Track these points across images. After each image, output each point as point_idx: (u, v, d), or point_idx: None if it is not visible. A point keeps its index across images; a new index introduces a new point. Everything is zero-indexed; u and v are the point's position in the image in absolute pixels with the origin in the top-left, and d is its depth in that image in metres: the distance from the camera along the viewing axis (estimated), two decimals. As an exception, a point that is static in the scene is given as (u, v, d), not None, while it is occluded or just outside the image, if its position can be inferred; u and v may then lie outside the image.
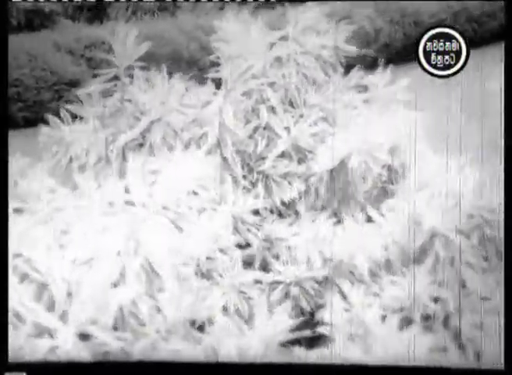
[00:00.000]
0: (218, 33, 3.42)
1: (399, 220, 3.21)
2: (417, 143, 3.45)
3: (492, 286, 3.15)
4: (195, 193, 3.10)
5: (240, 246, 3.26)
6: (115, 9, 11.68)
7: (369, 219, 3.32)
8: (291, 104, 3.46)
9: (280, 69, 3.40)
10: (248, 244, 3.28)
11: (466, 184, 3.20)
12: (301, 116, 3.43)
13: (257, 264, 3.28)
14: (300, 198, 3.38)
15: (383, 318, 3.06)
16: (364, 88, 3.62)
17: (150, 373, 2.97)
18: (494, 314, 3.08)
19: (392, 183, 3.40)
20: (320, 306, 3.17)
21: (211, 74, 3.37)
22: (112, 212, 2.86)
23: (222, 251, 3.11)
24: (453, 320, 3.09)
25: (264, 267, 3.29)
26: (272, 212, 3.38)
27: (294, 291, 3.17)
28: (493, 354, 2.98)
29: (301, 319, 3.05)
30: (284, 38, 3.46)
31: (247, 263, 3.29)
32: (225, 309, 3.03)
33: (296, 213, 3.37)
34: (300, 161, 3.40)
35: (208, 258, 3.07)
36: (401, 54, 11.04)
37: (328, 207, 3.40)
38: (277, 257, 3.27)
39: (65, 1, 11.48)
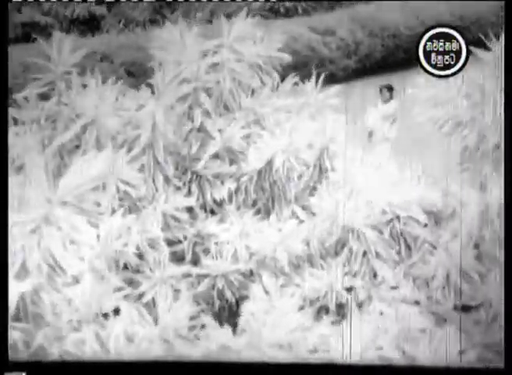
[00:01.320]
0: (157, 42, 3.62)
1: (320, 217, 3.40)
2: (341, 145, 3.64)
3: (401, 276, 3.34)
4: (126, 192, 3.30)
5: (171, 242, 3.46)
6: (108, 22, 11.92)
7: (294, 216, 3.52)
8: (226, 108, 3.65)
9: (215, 75, 3.60)
10: (180, 241, 3.47)
11: (381, 183, 3.39)
12: (234, 119, 3.62)
13: (188, 258, 3.47)
14: (231, 196, 3.58)
15: (302, 307, 3.26)
16: (298, 94, 3.81)
17: (150, 373, 3.14)
18: (401, 302, 3.27)
19: (316, 183, 3.59)
20: (243, 297, 3.36)
21: (148, 80, 3.58)
22: (32, 210, 3.06)
23: (151, 246, 3.31)
24: (364, 308, 3.29)
25: (195, 262, 3.48)
26: (204, 209, 3.58)
27: (220, 282, 3.36)
28: (392, 339, 3.17)
29: (203, 308, 3.25)
30: (219, 46, 3.66)
31: (180, 258, 3.48)
32: (145, 304, 3.21)
33: (227, 211, 3.56)
34: (231, 161, 3.60)
35: (137, 253, 3.27)
36: (380, 64, 11.28)
37: (257, 205, 3.60)
38: (207, 252, 3.46)
39: (62, 3, 11.71)
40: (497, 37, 3.46)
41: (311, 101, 3.77)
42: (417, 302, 3.30)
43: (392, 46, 11.23)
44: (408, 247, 3.38)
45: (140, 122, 3.40)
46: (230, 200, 3.57)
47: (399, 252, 3.38)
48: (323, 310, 3.30)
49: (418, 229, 3.37)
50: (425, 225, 3.40)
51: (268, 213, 3.57)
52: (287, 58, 3.74)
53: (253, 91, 3.69)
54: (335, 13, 11.71)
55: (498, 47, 3.49)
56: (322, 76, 3.79)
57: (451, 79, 3.48)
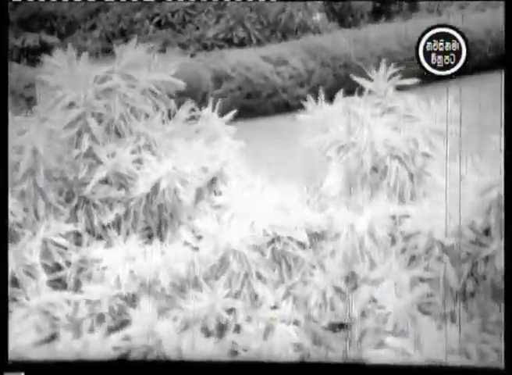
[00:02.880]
0: (45, 67, 3.63)
1: (205, 239, 3.42)
2: (231, 169, 3.69)
3: (281, 296, 3.37)
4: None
5: (52, 268, 3.42)
6: (60, 52, 11.85)
7: (180, 239, 3.52)
8: (117, 133, 3.66)
9: (106, 101, 3.61)
10: (62, 266, 3.44)
11: (264, 204, 3.43)
12: (125, 143, 3.63)
13: (70, 285, 3.44)
14: (120, 221, 3.58)
15: (184, 328, 3.26)
16: (195, 119, 3.85)
17: (153, 373, 3.16)
18: (282, 322, 3.31)
19: (204, 206, 3.61)
20: (124, 322, 3.34)
21: (34, 107, 3.57)
22: None
23: (28, 273, 3.28)
24: (244, 328, 3.30)
25: (77, 288, 3.45)
26: (92, 235, 3.56)
27: (100, 308, 3.34)
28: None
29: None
30: (110, 72, 3.68)
31: (62, 285, 3.45)
32: None
33: (114, 235, 3.55)
34: (120, 186, 3.60)
35: (13, 280, 3.22)
36: (331, 93, 11.40)
37: (145, 228, 3.60)
38: (90, 277, 3.44)
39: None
40: (377, 69, 3.63)
41: (208, 127, 3.82)
42: (296, 322, 3.34)
43: (343, 76, 11.40)
44: (289, 267, 3.42)
45: (20, 148, 3.39)
46: (118, 224, 3.57)
47: (280, 273, 3.41)
48: (204, 331, 3.30)
49: (299, 250, 3.41)
50: (309, 246, 3.44)
51: (154, 237, 3.57)
52: (181, 84, 3.76)
53: (146, 117, 3.71)
54: (288, 43, 11.85)
55: (378, 76, 3.64)
56: (219, 102, 3.84)
57: (334, 106, 3.58)
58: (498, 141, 3.17)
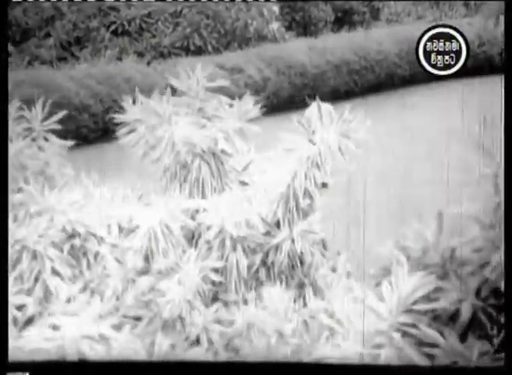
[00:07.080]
0: None
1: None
2: (53, 168, 3.70)
3: (78, 290, 3.40)
4: None
5: None
6: (12, 61, 11.86)
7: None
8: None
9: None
10: None
11: (65, 201, 3.45)
12: None
13: None
14: None
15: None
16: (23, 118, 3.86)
17: (152, 373, 3.17)
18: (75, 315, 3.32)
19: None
20: None
21: None
22: None
23: None
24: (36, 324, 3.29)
25: None
26: None
27: None
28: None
29: None
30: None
31: None
32: None
33: None
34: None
35: None
36: (287, 101, 11.43)
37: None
38: None
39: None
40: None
41: (36, 127, 3.83)
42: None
43: (299, 84, 11.45)
44: (88, 262, 3.44)
45: None
46: None
47: (78, 268, 3.42)
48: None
49: (99, 245, 3.42)
50: (110, 241, 3.47)
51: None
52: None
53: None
54: (244, 52, 11.89)
55: (191, 77, 3.67)
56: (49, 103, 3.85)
57: (147, 105, 3.58)
58: (287, 138, 3.28)
